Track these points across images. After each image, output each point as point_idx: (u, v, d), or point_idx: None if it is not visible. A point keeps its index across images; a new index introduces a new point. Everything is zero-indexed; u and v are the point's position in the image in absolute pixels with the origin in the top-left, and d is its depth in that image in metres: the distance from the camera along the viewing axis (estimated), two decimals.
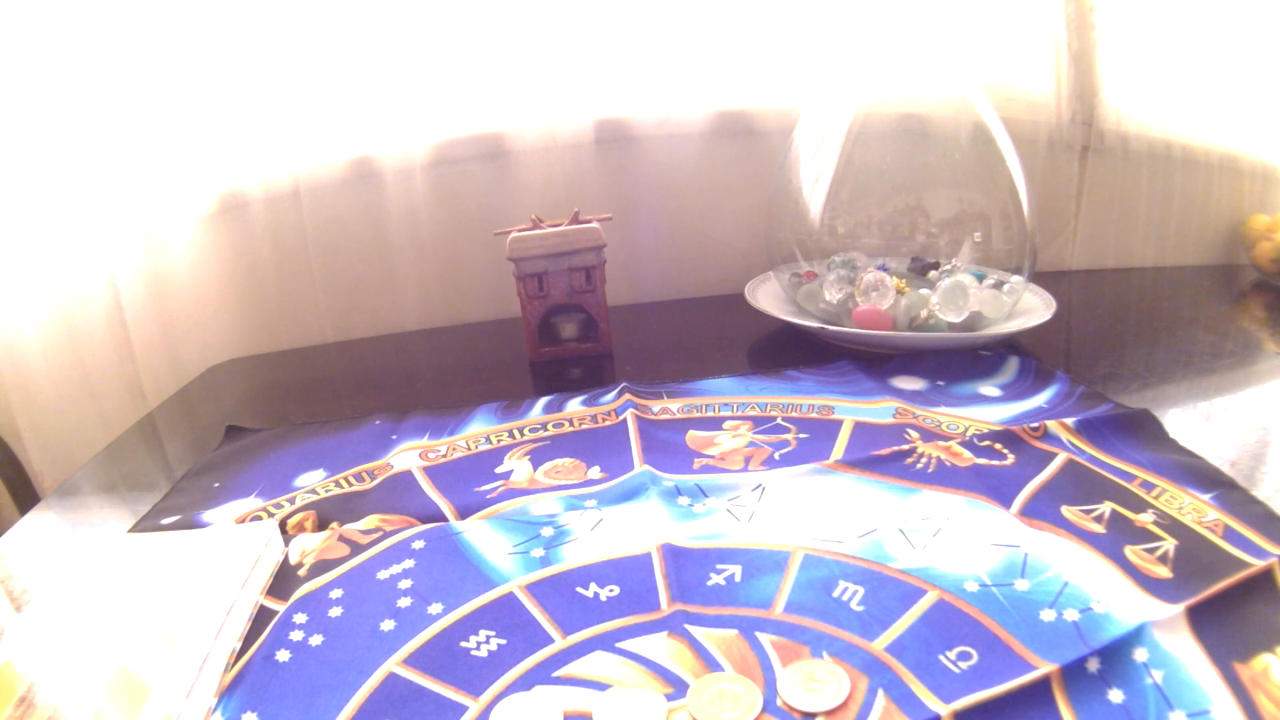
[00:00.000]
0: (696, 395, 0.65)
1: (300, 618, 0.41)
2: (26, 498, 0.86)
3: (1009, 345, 0.71)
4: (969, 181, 0.76)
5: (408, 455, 0.58)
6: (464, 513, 0.50)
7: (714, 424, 0.59)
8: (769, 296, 0.82)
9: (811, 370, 0.68)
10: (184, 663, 0.36)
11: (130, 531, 0.53)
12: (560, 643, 0.38)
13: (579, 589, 0.41)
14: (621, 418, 0.61)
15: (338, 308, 0.95)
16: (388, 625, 0.40)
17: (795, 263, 0.81)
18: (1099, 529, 0.43)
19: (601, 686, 0.35)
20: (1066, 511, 0.44)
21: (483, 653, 0.38)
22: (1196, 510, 0.43)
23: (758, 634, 0.37)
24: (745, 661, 0.35)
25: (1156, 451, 0.50)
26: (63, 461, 0.87)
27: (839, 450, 0.54)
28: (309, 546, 0.47)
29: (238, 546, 0.45)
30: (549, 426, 0.61)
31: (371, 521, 0.50)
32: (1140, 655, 0.34)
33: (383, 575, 0.44)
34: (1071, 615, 0.36)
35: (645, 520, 0.47)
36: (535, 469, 0.55)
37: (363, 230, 0.92)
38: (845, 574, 0.41)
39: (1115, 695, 0.32)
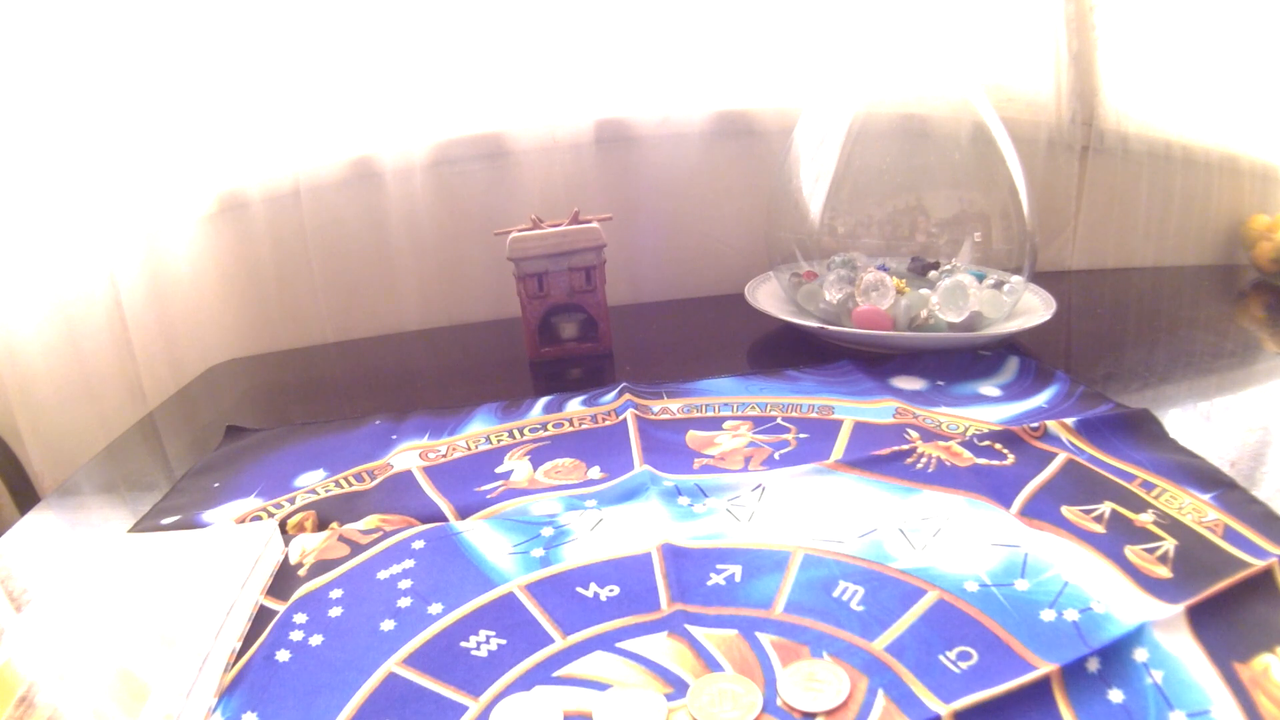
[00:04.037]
0: (696, 395, 0.65)
1: (300, 618, 0.41)
2: (26, 498, 0.86)
3: (1009, 345, 0.71)
4: (969, 181, 0.76)
5: (408, 455, 0.58)
6: (464, 513, 0.50)
7: (714, 424, 0.59)
8: (769, 296, 0.82)
9: (811, 370, 0.68)
10: (184, 663, 0.36)
11: (130, 531, 0.53)
12: (560, 643, 0.38)
13: (579, 589, 0.41)
14: (621, 418, 0.61)
15: (338, 308, 0.95)
16: (388, 625, 0.40)
17: (795, 263, 0.81)
18: (1099, 529, 0.43)
19: (601, 686, 0.35)
20: (1066, 511, 0.44)
21: (483, 653, 0.38)
22: (1196, 510, 0.43)
23: (758, 634, 0.37)
24: (745, 661, 0.35)
25: (1156, 451, 0.50)
26: (63, 461, 0.87)
27: (839, 450, 0.54)
28: (309, 546, 0.47)
29: (238, 546, 0.45)
30: (549, 426, 0.61)
31: (371, 521, 0.50)
32: (1140, 655, 0.34)
33: (383, 575, 0.44)
34: (1071, 615, 0.36)
35: (645, 520, 0.47)
36: (535, 469, 0.55)
37: (363, 230, 0.92)
38: (845, 574, 0.41)
39: (1115, 695, 0.32)
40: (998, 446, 0.52)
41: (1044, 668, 0.33)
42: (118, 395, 0.90)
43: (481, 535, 0.47)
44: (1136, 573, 0.39)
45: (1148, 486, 0.46)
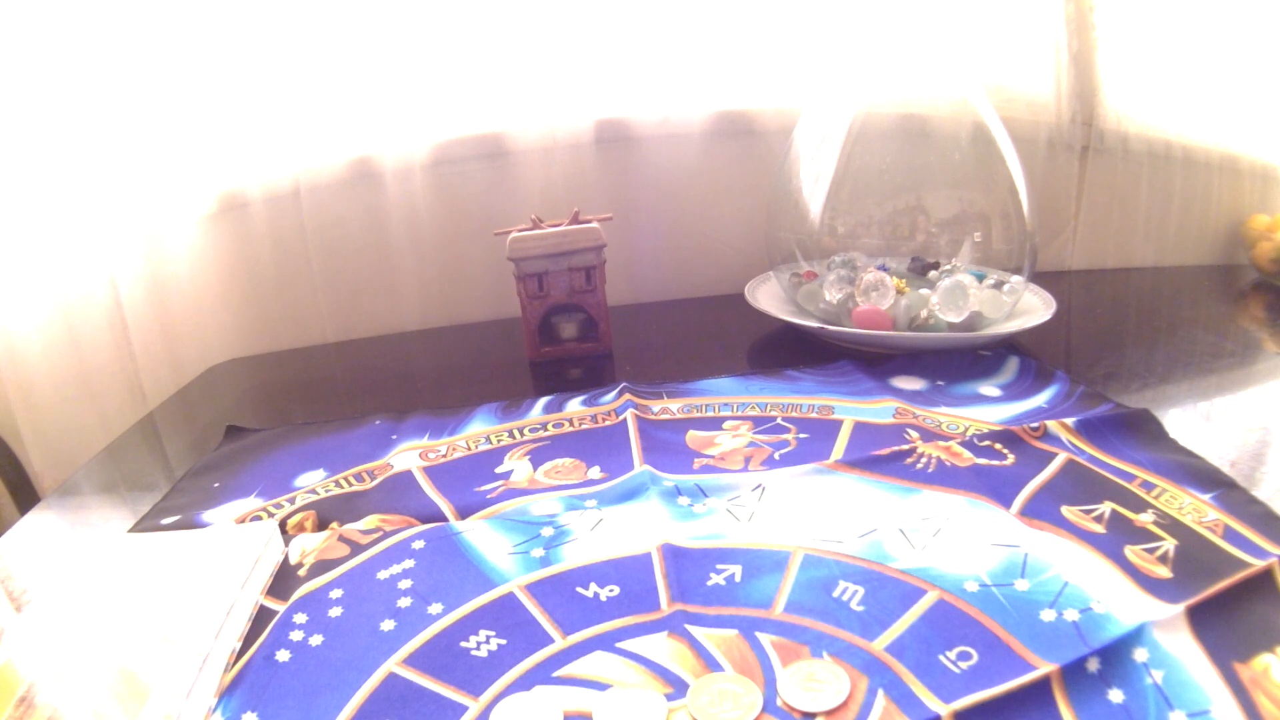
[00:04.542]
0: (696, 395, 0.65)
1: (300, 618, 0.41)
2: (26, 498, 0.86)
3: (1009, 345, 0.71)
4: (969, 181, 0.76)
5: (408, 455, 0.58)
6: (464, 513, 0.50)
7: (714, 424, 0.59)
8: (769, 296, 0.82)
9: (811, 370, 0.68)
10: (184, 663, 0.36)
11: (130, 531, 0.53)
12: (560, 643, 0.38)
13: (579, 589, 0.41)
14: (621, 418, 0.61)
15: (338, 308, 0.95)
16: (388, 625, 0.40)
17: (795, 263, 0.81)
18: (1099, 529, 0.43)
19: (601, 686, 0.35)
20: (1066, 511, 0.44)
21: (483, 653, 0.38)
22: (1196, 510, 0.43)
23: (758, 634, 0.37)
24: (745, 661, 0.35)
25: (1156, 451, 0.50)
26: (63, 461, 0.87)
27: (839, 450, 0.54)
28: (309, 546, 0.47)
29: (238, 546, 0.45)
30: (549, 426, 0.61)
31: (371, 521, 0.50)
32: (1140, 655, 0.34)
33: (383, 575, 0.44)
34: (1071, 615, 0.36)
35: (645, 520, 0.47)
36: (535, 469, 0.55)
37: (363, 230, 0.92)
38: (845, 574, 0.41)
39: (1115, 695, 0.32)
40: (998, 446, 0.52)
41: (1044, 668, 0.33)
42: (118, 395, 0.90)
43: (481, 535, 0.47)
44: (1136, 573, 0.39)
45: (1148, 486, 0.46)
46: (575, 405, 0.65)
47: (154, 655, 0.37)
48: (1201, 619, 0.35)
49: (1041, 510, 0.45)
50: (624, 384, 0.66)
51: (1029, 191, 0.74)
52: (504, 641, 0.38)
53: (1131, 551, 0.40)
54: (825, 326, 0.73)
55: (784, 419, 0.59)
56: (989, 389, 0.63)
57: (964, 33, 0.90)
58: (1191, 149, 0.93)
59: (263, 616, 0.42)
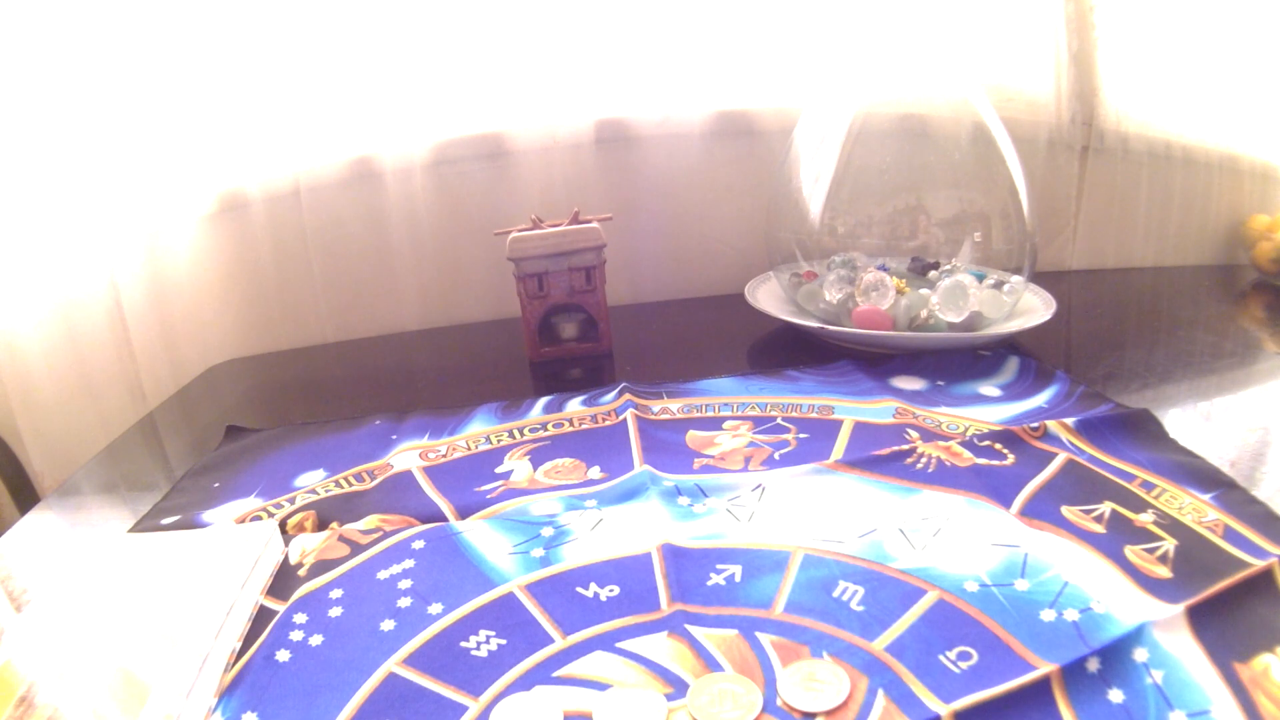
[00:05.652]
0: (696, 395, 0.65)
1: (300, 618, 0.41)
2: (26, 498, 0.86)
3: (1009, 345, 0.71)
4: (969, 181, 0.76)
5: (408, 455, 0.58)
6: (464, 513, 0.50)
7: (714, 424, 0.59)
8: (769, 296, 0.82)
9: (811, 370, 0.68)
10: (184, 663, 0.36)
11: (130, 531, 0.53)
12: (560, 643, 0.38)
13: (579, 589, 0.41)
14: (621, 418, 0.61)
15: (338, 308, 0.95)
16: (388, 625, 0.40)
17: (795, 263, 0.81)
18: (1099, 529, 0.43)
19: (601, 686, 0.35)
20: (1066, 511, 0.44)
21: (483, 653, 0.38)
22: (1196, 510, 0.43)
23: (758, 634, 0.37)
24: (745, 661, 0.35)
25: (1156, 451, 0.50)
26: (63, 461, 0.87)
27: (839, 450, 0.54)
28: (309, 546, 0.47)
29: (238, 546, 0.45)
30: (549, 426, 0.61)
31: (371, 521, 0.50)
32: (1140, 655, 0.34)
33: (383, 575, 0.44)
34: (1071, 615, 0.36)
35: (645, 520, 0.47)
36: (535, 469, 0.55)
37: (363, 230, 0.92)
38: (845, 574, 0.41)
39: (1115, 695, 0.32)
40: (998, 446, 0.52)
41: (1044, 668, 0.33)
42: (118, 395, 0.90)
43: (481, 535, 0.47)
44: (1136, 573, 0.39)
45: (1148, 486, 0.46)
46: (575, 405, 0.65)
47: (154, 655, 0.37)
48: (1201, 619, 0.35)
49: (1041, 510, 0.45)
50: (624, 384, 0.66)
51: (1029, 191, 0.74)
52: (504, 641, 0.38)
53: (1131, 551, 0.40)
54: (825, 326, 0.73)
55: (784, 419, 0.59)
56: (989, 389, 0.63)
57: (964, 33, 0.90)
58: (1191, 149, 0.93)
59: (263, 616, 0.42)
